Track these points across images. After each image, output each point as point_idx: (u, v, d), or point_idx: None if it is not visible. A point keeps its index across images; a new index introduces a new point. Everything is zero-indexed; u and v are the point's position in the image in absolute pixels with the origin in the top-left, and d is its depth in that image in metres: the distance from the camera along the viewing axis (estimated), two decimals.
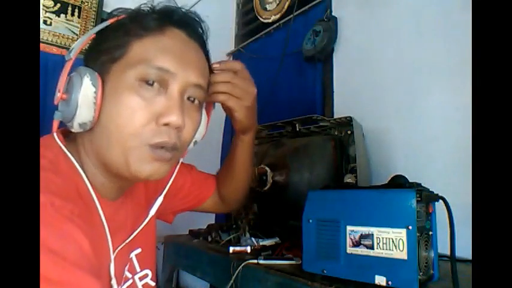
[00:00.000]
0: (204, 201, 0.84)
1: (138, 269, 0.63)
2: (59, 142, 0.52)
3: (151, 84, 0.51)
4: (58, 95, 0.51)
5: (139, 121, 0.50)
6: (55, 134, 0.53)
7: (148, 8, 0.56)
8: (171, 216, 0.83)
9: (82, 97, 0.49)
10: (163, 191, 0.67)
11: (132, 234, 0.61)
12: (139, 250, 0.64)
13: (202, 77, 0.56)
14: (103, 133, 0.51)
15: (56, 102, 0.52)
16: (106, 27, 0.54)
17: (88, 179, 0.53)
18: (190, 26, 0.56)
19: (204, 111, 0.63)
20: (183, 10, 0.57)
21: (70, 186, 0.50)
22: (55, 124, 0.52)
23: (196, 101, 0.56)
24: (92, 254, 0.44)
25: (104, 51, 0.53)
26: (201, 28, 0.59)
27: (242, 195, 0.87)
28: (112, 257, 0.55)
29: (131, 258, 0.62)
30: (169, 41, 0.53)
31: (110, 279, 0.55)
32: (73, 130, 0.52)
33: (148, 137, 0.50)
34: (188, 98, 0.55)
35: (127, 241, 0.60)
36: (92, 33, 0.54)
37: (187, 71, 0.53)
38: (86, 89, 0.49)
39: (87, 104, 0.50)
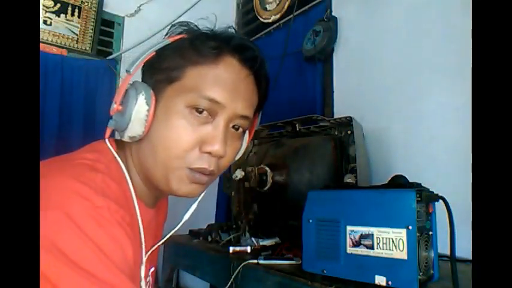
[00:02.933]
0: None
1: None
2: (112, 149, 0.55)
3: (201, 112, 0.53)
4: (114, 106, 0.53)
5: (184, 146, 0.53)
6: (107, 142, 0.56)
7: (207, 31, 0.57)
8: None
9: (135, 113, 0.52)
10: (198, 198, 0.68)
11: (157, 242, 0.64)
12: (153, 269, 0.66)
13: (249, 108, 0.59)
14: (150, 149, 0.54)
15: (111, 113, 0.55)
16: (165, 46, 0.55)
17: (133, 185, 0.56)
18: (245, 53, 0.57)
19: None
20: (241, 37, 0.58)
21: (121, 192, 0.52)
22: (108, 131, 0.55)
23: (240, 129, 0.59)
24: (133, 261, 0.47)
25: (161, 70, 0.55)
26: (256, 54, 0.59)
27: None
28: (144, 259, 0.58)
29: (150, 274, 0.64)
30: (223, 72, 0.54)
31: (140, 281, 0.57)
32: (123, 140, 0.55)
33: (190, 162, 0.53)
34: (233, 126, 0.57)
35: (159, 243, 0.64)
36: (152, 50, 0.55)
37: (236, 102, 0.55)
38: (140, 106, 0.52)
39: (138, 120, 0.52)
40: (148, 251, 0.60)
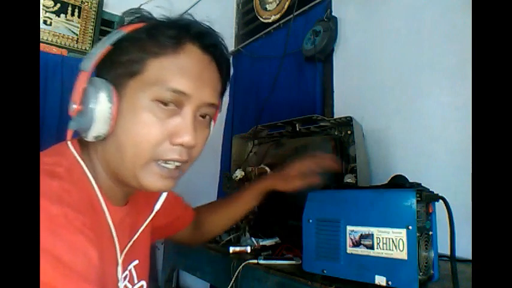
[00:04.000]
0: (178, 231, 0.85)
1: (135, 281, 0.64)
2: (74, 151, 0.54)
3: (167, 104, 0.52)
4: (74, 106, 0.51)
5: (153, 140, 0.51)
6: (69, 143, 0.55)
7: (164, 19, 0.55)
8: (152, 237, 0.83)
9: (98, 112, 0.50)
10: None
11: (133, 237, 0.63)
12: (136, 261, 0.65)
13: (215, 95, 0.57)
14: (116, 147, 0.53)
15: (71, 114, 0.52)
16: (121, 38, 0.53)
17: (100, 185, 0.54)
18: (205, 40, 0.56)
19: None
20: (199, 23, 0.56)
21: (83, 196, 0.51)
22: (69, 133, 0.53)
23: (207, 117, 0.58)
24: (100, 265, 0.46)
25: (120, 64, 0.52)
26: (216, 39, 0.58)
27: (223, 231, 0.96)
28: (120, 260, 0.57)
29: (130, 269, 0.63)
30: (186, 61, 0.53)
31: (117, 282, 0.56)
32: (87, 139, 0.53)
33: (160, 155, 0.52)
34: (200, 115, 0.57)
35: (134, 237, 0.62)
36: (108, 44, 0.52)
37: (202, 91, 0.54)
38: (102, 104, 0.50)
39: (102, 119, 0.50)
40: (124, 248, 0.59)
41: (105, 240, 0.54)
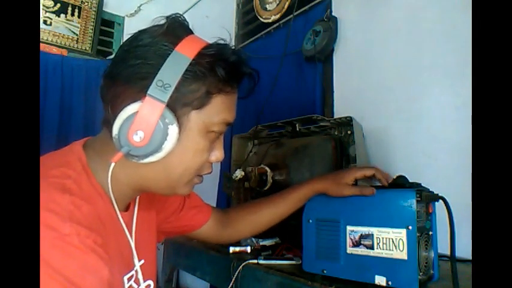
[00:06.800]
0: (195, 229, 0.84)
1: (141, 281, 0.64)
2: (83, 162, 0.53)
3: (219, 133, 0.57)
4: (141, 136, 0.49)
5: (201, 164, 0.56)
6: (80, 153, 0.54)
7: (214, 47, 0.54)
8: (161, 236, 0.83)
9: (164, 148, 0.50)
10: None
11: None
12: (142, 261, 0.65)
13: None
14: (163, 167, 0.54)
15: (134, 143, 0.50)
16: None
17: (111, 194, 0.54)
18: (244, 78, 0.59)
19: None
20: (248, 63, 0.58)
21: (93, 208, 0.50)
22: (118, 156, 0.50)
23: None
24: (111, 281, 0.47)
25: (186, 96, 0.52)
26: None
27: (263, 231, 0.90)
28: (137, 266, 0.60)
29: (136, 269, 0.63)
30: (236, 96, 0.58)
31: (123, 285, 0.57)
32: (131, 160, 0.52)
33: (200, 171, 0.58)
34: None
35: (134, 238, 0.62)
36: (180, 74, 0.50)
37: None
38: (170, 142, 0.51)
39: (164, 152, 0.51)
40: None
41: (122, 248, 0.55)
